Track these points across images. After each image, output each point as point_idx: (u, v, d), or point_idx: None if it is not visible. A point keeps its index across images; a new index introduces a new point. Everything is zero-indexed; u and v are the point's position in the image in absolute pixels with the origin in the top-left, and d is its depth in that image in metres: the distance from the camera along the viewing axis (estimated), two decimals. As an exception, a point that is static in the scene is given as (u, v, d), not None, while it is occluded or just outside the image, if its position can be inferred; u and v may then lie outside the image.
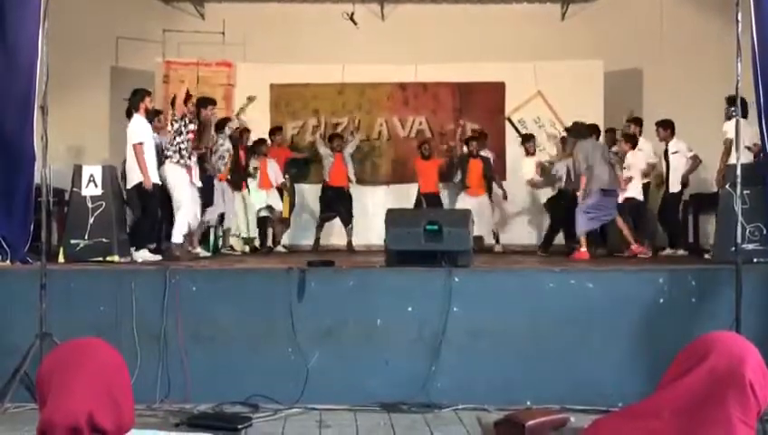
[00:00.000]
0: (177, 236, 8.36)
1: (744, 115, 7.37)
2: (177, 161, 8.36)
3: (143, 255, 7.75)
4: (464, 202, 11.08)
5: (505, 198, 11.68)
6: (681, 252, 9.40)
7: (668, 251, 9.67)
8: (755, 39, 6.35)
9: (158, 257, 7.90)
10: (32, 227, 6.89)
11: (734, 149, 6.55)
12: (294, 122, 12.60)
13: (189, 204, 8.45)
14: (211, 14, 13.28)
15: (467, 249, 6.49)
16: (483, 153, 11.49)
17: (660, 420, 1.70)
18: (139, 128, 8.02)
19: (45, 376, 1.90)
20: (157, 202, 8.26)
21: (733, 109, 7.13)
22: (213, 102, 9.16)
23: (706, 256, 8.13)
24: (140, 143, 7.92)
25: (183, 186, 8.43)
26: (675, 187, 9.71)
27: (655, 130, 9.94)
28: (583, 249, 8.83)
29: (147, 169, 7.94)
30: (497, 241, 11.36)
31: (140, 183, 7.93)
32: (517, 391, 5.70)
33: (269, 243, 11.15)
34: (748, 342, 1.76)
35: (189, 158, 8.48)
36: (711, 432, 1.67)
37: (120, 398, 1.89)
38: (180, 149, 8.37)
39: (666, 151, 9.82)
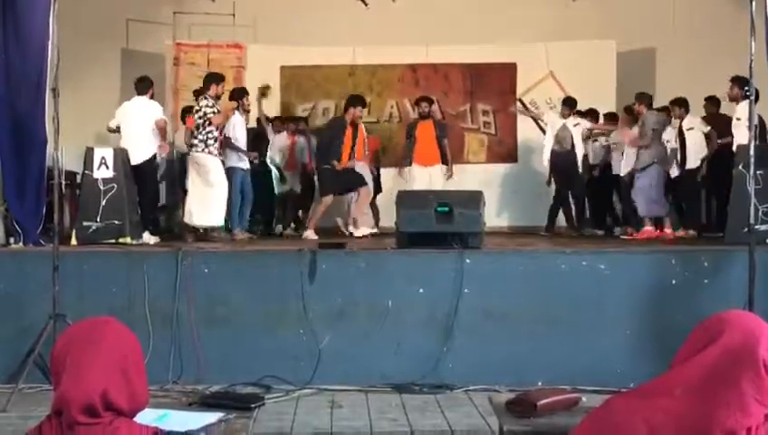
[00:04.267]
0: (218, 218, 8.46)
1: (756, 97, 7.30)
2: (210, 152, 8.43)
3: (145, 237, 7.80)
4: (413, 175, 10.00)
5: (450, 176, 10.23)
6: (691, 232, 9.30)
7: (680, 232, 9.63)
8: (769, 17, 6.29)
9: (157, 239, 7.97)
10: (44, 209, 6.91)
11: (744, 129, 6.51)
12: (305, 104, 12.56)
13: (225, 186, 8.52)
14: (221, -5, 13.24)
15: (479, 231, 6.48)
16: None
17: (672, 398, 1.69)
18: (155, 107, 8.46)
19: (59, 355, 1.92)
20: (156, 183, 8.32)
21: (746, 89, 7.07)
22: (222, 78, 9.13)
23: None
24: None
25: (218, 169, 8.50)
26: (692, 162, 9.62)
27: (669, 109, 9.88)
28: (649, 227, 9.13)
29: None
30: None
31: (140, 163, 8.04)
32: (529, 372, 5.71)
33: (280, 227, 10.92)
34: (762, 320, 1.75)
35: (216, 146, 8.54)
36: (724, 410, 1.67)
37: (134, 376, 1.91)
38: (208, 138, 8.40)
39: (680, 129, 9.76)
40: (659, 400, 1.72)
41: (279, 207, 11.15)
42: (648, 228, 9.15)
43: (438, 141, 10.10)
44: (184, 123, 10.49)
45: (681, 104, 9.70)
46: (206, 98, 8.56)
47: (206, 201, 8.40)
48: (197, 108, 8.58)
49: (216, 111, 8.50)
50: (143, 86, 8.50)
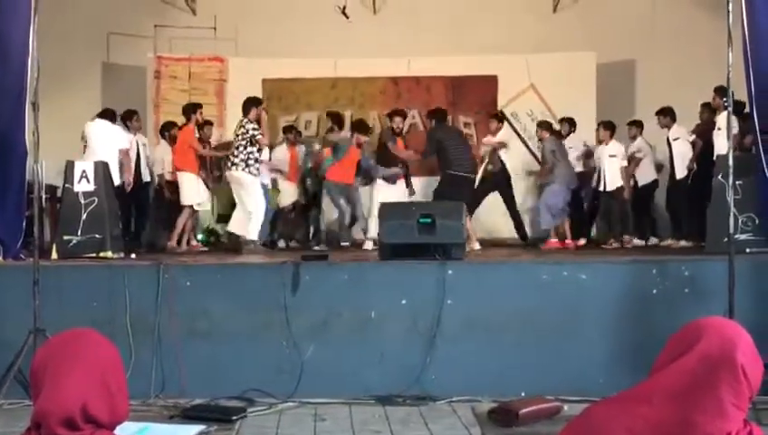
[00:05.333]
0: (253, 234, 8.83)
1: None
2: (250, 172, 8.80)
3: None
4: (382, 192, 9.67)
5: (412, 192, 10.24)
6: (683, 243, 9.36)
7: (669, 241, 9.75)
8: (746, 29, 6.36)
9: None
10: (24, 223, 6.86)
11: (724, 140, 6.57)
12: (287, 117, 12.57)
13: (263, 204, 8.91)
14: (202, 9, 13.24)
15: (461, 242, 6.50)
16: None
17: (651, 405, 1.70)
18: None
19: (39, 368, 1.90)
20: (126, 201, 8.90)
21: (725, 100, 7.14)
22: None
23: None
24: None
25: (256, 188, 8.92)
26: (681, 172, 9.73)
27: (656, 120, 10.10)
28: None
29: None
30: None
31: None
32: (511, 383, 5.70)
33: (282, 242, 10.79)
34: (740, 326, 1.77)
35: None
36: (702, 416, 1.68)
37: (115, 388, 1.89)
38: (249, 158, 8.77)
39: (668, 139, 9.89)
40: (639, 407, 1.73)
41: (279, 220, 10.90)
42: (553, 241, 9.64)
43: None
44: (164, 138, 10.48)
45: (666, 113, 9.86)
46: (250, 121, 8.87)
47: (245, 215, 8.87)
48: (242, 130, 8.83)
49: (261, 133, 8.87)
50: (108, 113, 9.10)
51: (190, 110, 9.71)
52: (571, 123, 10.83)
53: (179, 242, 9.45)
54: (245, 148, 8.76)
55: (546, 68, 12.18)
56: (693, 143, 9.59)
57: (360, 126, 10.18)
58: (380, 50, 12.39)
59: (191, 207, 9.56)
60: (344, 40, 12.39)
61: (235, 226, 9.07)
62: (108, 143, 8.77)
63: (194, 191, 9.53)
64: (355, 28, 12.53)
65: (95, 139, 8.86)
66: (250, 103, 9.05)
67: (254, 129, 8.80)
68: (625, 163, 10.11)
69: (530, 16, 13.02)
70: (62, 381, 1.84)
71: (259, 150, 8.93)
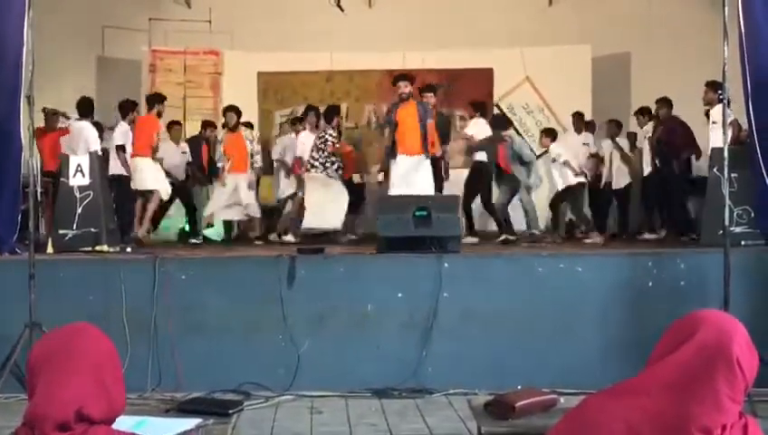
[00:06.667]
0: (337, 223, 9.45)
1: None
2: (328, 174, 9.42)
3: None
4: (397, 166, 8.56)
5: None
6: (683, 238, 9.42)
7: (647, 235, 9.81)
8: (742, 23, 6.36)
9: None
10: (20, 217, 6.85)
11: (720, 132, 6.57)
12: (283, 110, 12.55)
13: (345, 197, 9.49)
14: (197, 1, 13.21)
15: (457, 235, 6.51)
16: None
17: (648, 396, 1.71)
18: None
19: (35, 365, 1.89)
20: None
21: (719, 93, 7.14)
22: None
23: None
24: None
25: (338, 185, 9.51)
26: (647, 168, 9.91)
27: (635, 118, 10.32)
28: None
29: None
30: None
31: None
32: (508, 375, 5.71)
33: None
34: (735, 319, 1.77)
35: None
36: (699, 408, 1.68)
37: (111, 384, 1.89)
38: (327, 161, 9.39)
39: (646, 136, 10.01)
40: (636, 399, 1.73)
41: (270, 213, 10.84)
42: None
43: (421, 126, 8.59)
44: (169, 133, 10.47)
45: (644, 113, 10.17)
46: (332, 128, 9.58)
47: (326, 210, 9.34)
48: (324, 136, 9.45)
49: (337, 140, 9.57)
50: (84, 109, 8.87)
51: (155, 100, 9.65)
52: (580, 117, 10.82)
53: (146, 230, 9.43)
54: (324, 151, 9.36)
55: (542, 61, 12.19)
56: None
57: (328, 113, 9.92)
58: (376, 43, 12.38)
59: (156, 192, 9.36)
60: (340, 33, 12.38)
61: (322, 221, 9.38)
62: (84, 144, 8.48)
63: (152, 176, 9.32)
64: (350, 21, 12.50)
65: (78, 138, 8.57)
66: (332, 112, 9.82)
67: (332, 136, 9.45)
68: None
69: (525, 9, 13.01)
70: (56, 381, 1.82)
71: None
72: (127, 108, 9.28)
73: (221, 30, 12.51)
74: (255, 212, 10.26)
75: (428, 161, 8.54)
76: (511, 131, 10.70)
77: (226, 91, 11.54)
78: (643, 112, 10.23)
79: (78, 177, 7.32)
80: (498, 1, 12.99)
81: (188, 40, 12.36)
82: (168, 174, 9.70)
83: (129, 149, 8.99)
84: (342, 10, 12.49)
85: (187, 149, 10.51)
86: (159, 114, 9.60)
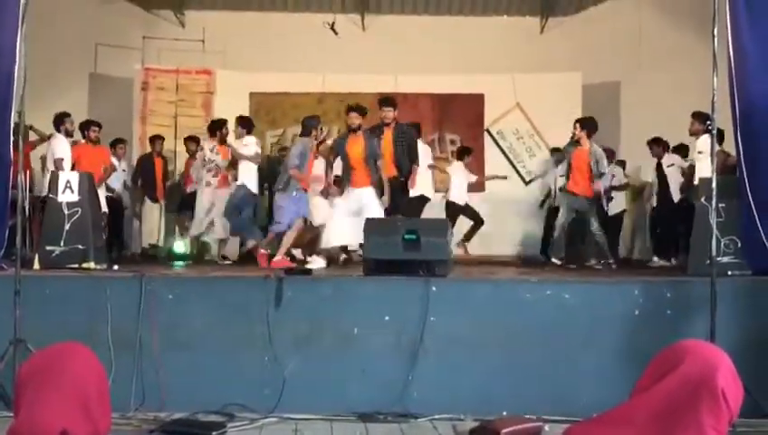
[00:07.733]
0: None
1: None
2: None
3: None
4: (347, 198, 8.53)
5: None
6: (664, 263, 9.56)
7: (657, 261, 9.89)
8: (731, 53, 6.41)
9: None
10: (7, 233, 6.81)
11: (707, 162, 6.63)
12: (274, 131, 12.58)
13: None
14: (191, 21, 13.26)
15: (445, 259, 6.50)
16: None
17: (633, 426, 1.71)
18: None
19: (22, 384, 1.89)
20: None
21: (709, 123, 7.20)
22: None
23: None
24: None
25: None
26: (675, 197, 9.97)
27: (648, 147, 10.34)
28: None
29: None
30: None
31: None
32: (494, 401, 5.70)
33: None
34: (720, 350, 1.78)
35: None
36: (683, 439, 1.68)
37: (97, 406, 1.88)
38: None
39: (659, 165, 10.18)
40: (620, 428, 1.74)
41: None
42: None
43: (366, 158, 8.48)
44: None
45: (659, 144, 10.23)
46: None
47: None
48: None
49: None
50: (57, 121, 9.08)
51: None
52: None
53: None
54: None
55: (532, 87, 12.29)
56: (690, 168, 9.68)
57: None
58: (368, 66, 12.46)
59: None
60: (332, 55, 12.45)
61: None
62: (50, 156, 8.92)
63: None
64: (343, 44, 12.59)
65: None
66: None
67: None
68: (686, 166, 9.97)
69: (517, 36, 13.14)
70: (40, 405, 1.81)
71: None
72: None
73: (214, 50, 12.57)
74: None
75: (371, 189, 8.44)
76: None
77: (218, 111, 11.54)
78: (658, 143, 10.25)
79: (67, 193, 7.30)
80: (490, 27, 13.11)
81: (181, 59, 12.40)
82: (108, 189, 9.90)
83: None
84: (336, 33, 12.58)
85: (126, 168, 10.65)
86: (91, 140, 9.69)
